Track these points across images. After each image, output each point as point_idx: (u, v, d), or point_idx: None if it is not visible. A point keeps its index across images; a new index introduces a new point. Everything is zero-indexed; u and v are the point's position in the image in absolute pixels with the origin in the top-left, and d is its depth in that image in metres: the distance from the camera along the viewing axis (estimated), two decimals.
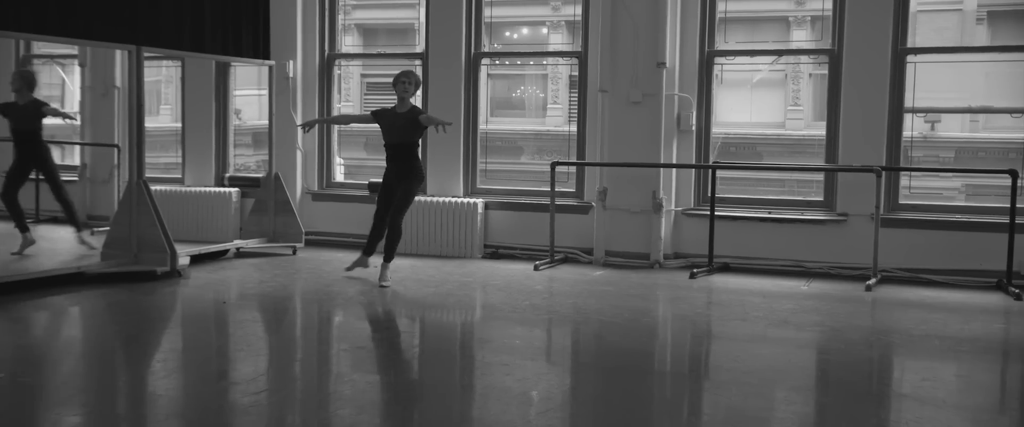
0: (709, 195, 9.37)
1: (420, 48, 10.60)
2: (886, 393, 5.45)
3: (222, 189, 10.94)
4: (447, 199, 10.09)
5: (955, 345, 6.39)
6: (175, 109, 12.15)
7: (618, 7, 9.42)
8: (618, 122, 9.50)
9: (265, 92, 10.42)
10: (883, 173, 8.66)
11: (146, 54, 8.66)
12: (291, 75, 10.61)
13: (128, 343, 6.38)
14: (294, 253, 10.04)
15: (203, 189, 10.98)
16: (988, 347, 6.44)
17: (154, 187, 8.75)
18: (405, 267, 9.22)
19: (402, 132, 8.29)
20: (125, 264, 8.41)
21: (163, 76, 12.92)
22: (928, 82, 9.19)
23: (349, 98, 14.11)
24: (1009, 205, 8.28)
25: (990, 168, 9.40)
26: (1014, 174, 8.27)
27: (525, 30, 14.14)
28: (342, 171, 11.16)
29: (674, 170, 9.49)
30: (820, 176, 9.39)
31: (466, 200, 10.03)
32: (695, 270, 8.93)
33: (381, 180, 8.52)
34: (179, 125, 11.50)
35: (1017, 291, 7.95)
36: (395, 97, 8.40)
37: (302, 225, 10.21)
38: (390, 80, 8.47)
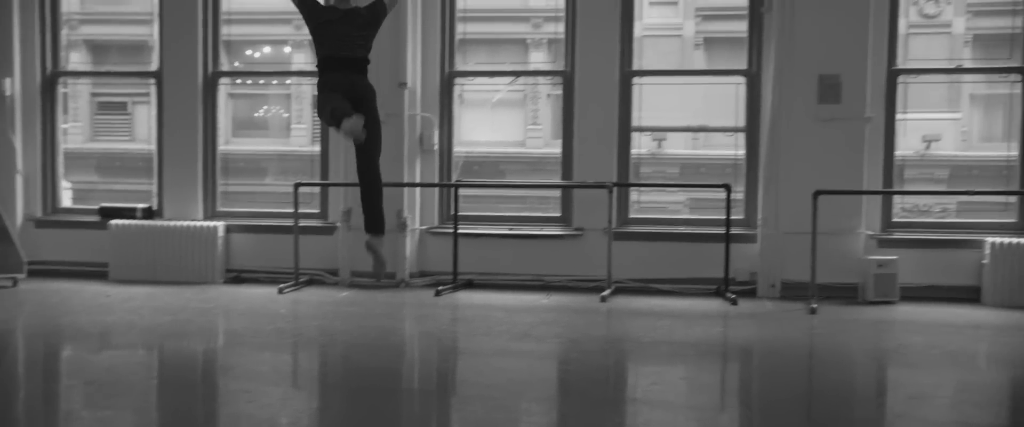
0: (452, 213, 9.55)
1: (154, 66, 10.17)
2: (621, 398, 5.76)
3: None
4: (185, 223, 9.72)
5: (680, 349, 6.85)
6: None
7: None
8: None
9: None
10: (614, 189, 9.15)
11: None
12: (8, 93, 9.89)
13: None
14: (15, 284, 9.33)
15: None
16: (709, 349, 6.95)
17: None
18: (141, 295, 8.80)
19: (354, 38, 6.45)
20: None
21: None
22: (654, 102, 9.82)
23: (78, 118, 13.31)
24: (725, 217, 8.97)
25: (708, 183, 10.12)
26: (728, 188, 8.98)
27: (267, 49, 13.88)
28: (69, 195, 10.50)
29: (418, 189, 9.60)
30: (558, 192, 9.79)
31: (205, 223, 9.71)
32: (440, 287, 9.08)
33: (324, 90, 6.42)
34: None
35: (734, 296, 8.62)
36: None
37: (23, 254, 9.51)
38: (124, 100, 7.87)
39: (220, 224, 9.72)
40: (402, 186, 9.45)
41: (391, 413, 5.29)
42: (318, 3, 6.42)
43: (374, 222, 6.54)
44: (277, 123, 14.18)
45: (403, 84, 9.38)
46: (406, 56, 9.38)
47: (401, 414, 5.32)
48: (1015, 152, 9.06)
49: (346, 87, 6.39)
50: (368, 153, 6.57)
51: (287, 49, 13.98)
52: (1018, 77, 8.99)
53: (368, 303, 8.54)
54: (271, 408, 5.22)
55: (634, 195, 9.77)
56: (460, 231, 9.47)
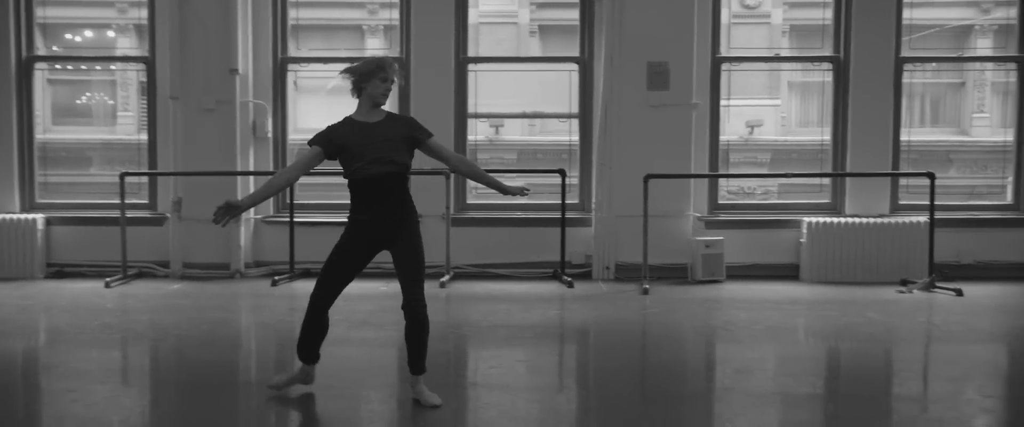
0: (288, 202, 9.39)
1: None
2: (462, 383, 5.82)
3: None
4: (0, 216, 9.23)
5: (519, 332, 6.96)
6: None
7: (186, 11, 9.15)
8: (191, 130, 9.23)
9: None
10: (452, 175, 9.19)
11: None
12: None
13: None
14: None
15: None
16: (547, 332, 7.10)
17: None
18: None
19: (391, 154, 5.04)
20: None
21: None
22: (490, 89, 9.90)
23: None
24: (560, 201, 9.14)
25: (544, 168, 10.29)
26: (563, 173, 9.17)
27: (89, 33, 13.26)
28: None
29: (252, 177, 9.40)
30: None
31: (23, 216, 9.23)
32: (277, 278, 8.92)
33: (344, 240, 5.16)
34: None
35: (569, 279, 8.82)
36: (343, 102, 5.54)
37: None
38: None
39: (40, 216, 9.27)
40: (235, 175, 9.23)
41: (228, 407, 5.19)
42: (339, 127, 5.23)
43: (416, 361, 5.15)
44: (102, 110, 13.59)
45: (234, 70, 9.16)
46: (237, 42, 9.15)
47: (238, 408, 5.23)
48: (828, 137, 9.59)
49: (380, 224, 5.08)
50: (412, 285, 5.17)
51: (111, 33, 13.39)
52: (829, 66, 9.51)
53: (201, 295, 8.31)
54: (98, 407, 5.03)
55: (471, 181, 9.82)
56: (296, 220, 9.32)
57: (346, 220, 5.16)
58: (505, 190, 5.15)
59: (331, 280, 5.18)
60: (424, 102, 9.40)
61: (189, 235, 9.30)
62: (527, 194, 5.27)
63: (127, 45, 12.44)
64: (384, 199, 5.01)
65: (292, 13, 9.56)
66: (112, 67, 12.02)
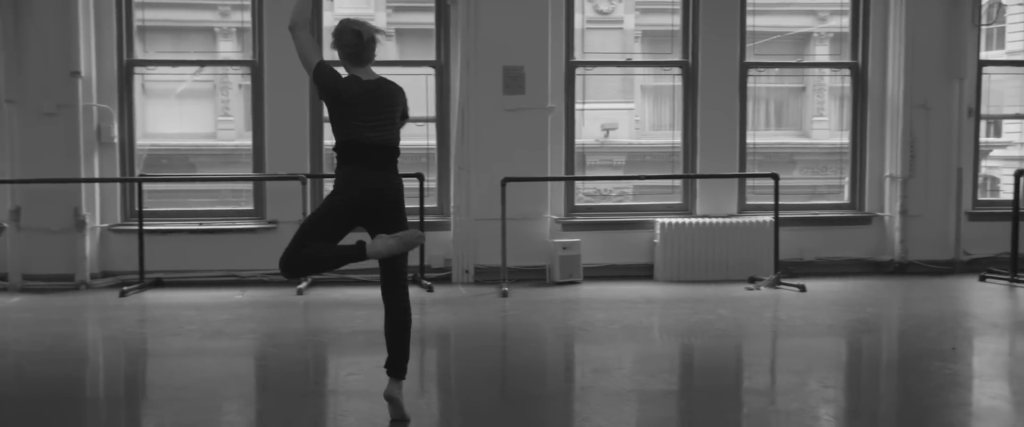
0: (137, 209, 9.07)
1: None
2: (320, 391, 5.76)
3: None
4: None
5: (378, 338, 6.80)
6: None
7: (21, 10, 8.73)
8: (30, 135, 8.81)
9: None
10: (308, 180, 9.06)
11: None
12: None
13: None
14: None
15: None
16: None
17: None
18: None
19: (389, 122, 4.96)
20: None
21: None
22: None
23: None
24: (419, 205, 9.13)
25: (402, 172, 10.27)
26: (421, 177, 9.15)
27: None
28: None
29: (97, 185, 9.04)
30: (250, 185, 9.56)
31: None
32: (126, 288, 8.60)
33: (333, 202, 5.08)
34: None
35: (429, 283, 8.82)
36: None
37: None
38: None
39: None
40: (79, 182, 8.86)
41: (74, 424, 4.97)
42: (341, 77, 4.96)
43: (398, 364, 5.08)
44: None
45: (76, 73, 8.78)
46: (78, 43, 8.77)
47: (86, 424, 5.02)
48: (679, 139, 9.87)
49: (375, 192, 5.00)
50: (395, 281, 5.31)
51: None
52: (679, 70, 9.80)
53: (43, 308, 7.94)
54: None
55: (328, 186, 9.70)
56: (146, 228, 9.00)
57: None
58: None
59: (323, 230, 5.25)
60: (280, 107, 9.23)
61: (29, 245, 8.87)
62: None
63: None
64: (380, 166, 5.16)
65: (138, 14, 9.23)
66: None
